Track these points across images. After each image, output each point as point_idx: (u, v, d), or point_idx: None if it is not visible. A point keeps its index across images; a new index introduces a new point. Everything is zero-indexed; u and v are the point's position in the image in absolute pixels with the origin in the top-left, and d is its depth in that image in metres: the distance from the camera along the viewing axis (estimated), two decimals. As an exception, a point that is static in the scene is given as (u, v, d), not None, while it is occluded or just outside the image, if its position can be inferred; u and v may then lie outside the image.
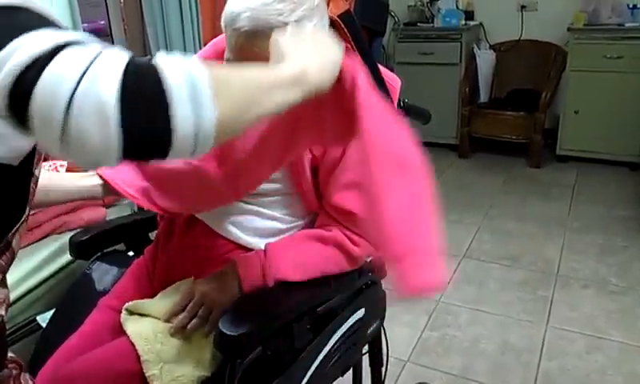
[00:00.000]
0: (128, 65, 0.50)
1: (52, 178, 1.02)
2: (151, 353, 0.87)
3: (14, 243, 0.67)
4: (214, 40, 1.05)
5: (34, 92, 0.47)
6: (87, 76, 0.47)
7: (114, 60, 0.49)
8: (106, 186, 1.03)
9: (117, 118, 0.47)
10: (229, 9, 0.85)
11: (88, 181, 1.03)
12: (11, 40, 0.48)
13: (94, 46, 0.50)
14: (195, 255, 1.04)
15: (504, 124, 3.70)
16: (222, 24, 0.88)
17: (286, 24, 0.83)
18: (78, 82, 0.47)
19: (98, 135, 0.48)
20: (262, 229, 1.02)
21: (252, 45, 0.84)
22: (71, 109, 0.47)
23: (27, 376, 0.75)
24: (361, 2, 1.11)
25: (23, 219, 0.66)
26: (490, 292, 2.27)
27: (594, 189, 3.28)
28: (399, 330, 2.01)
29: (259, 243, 1.00)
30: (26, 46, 0.48)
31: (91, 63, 0.48)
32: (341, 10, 0.99)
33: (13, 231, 0.65)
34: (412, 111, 1.29)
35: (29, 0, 0.53)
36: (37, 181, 0.67)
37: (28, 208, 0.66)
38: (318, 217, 1.03)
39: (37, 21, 0.51)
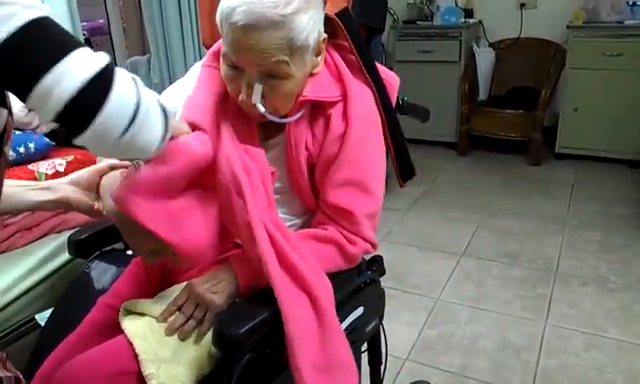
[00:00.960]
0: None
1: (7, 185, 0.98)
2: (149, 352, 0.87)
3: None
4: (214, 48, 1.04)
5: (101, 110, 0.62)
6: (143, 100, 0.68)
7: (139, 82, 0.70)
8: (56, 201, 0.97)
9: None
10: (225, 3, 0.86)
11: (42, 195, 0.97)
12: (53, 62, 0.59)
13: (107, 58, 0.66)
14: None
15: (503, 122, 3.70)
16: (218, 19, 0.88)
17: (282, 16, 0.83)
18: (138, 103, 0.67)
19: (151, 135, 0.71)
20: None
21: (248, 38, 0.84)
22: (133, 124, 0.66)
23: (9, 364, 0.75)
24: (359, 0, 1.10)
25: None
26: (489, 290, 2.27)
27: (593, 186, 3.29)
28: (398, 328, 2.02)
29: None
30: (74, 70, 0.61)
31: (137, 86, 0.68)
32: (338, 8, 0.99)
33: None
34: (411, 109, 1.29)
35: (45, 8, 0.61)
36: (6, 159, 0.71)
37: None
38: (315, 215, 1.03)
39: (61, 33, 0.63)
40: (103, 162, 0.98)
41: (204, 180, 0.94)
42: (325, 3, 0.96)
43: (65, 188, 0.96)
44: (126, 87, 0.66)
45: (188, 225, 0.88)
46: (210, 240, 0.92)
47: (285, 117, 0.96)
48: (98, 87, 0.62)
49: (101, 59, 0.64)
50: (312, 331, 0.89)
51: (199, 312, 0.92)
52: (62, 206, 0.97)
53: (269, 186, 0.97)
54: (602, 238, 2.65)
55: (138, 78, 0.70)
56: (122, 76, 0.66)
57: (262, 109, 0.90)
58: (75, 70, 0.61)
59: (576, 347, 1.89)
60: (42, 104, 0.60)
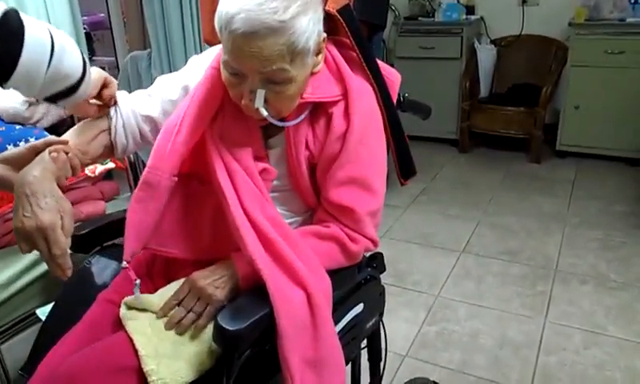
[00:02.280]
0: None
1: None
2: (149, 347, 0.88)
3: None
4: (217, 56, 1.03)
5: (21, 55, 0.69)
6: (55, 32, 0.73)
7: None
8: None
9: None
10: (223, 10, 0.84)
11: None
12: None
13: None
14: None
15: (504, 119, 3.69)
16: (217, 25, 0.87)
17: (282, 22, 0.82)
18: (52, 38, 0.73)
19: (73, 60, 0.80)
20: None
21: (250, 46, 0.83)
22: (53, 57, 0.73)
23: None
24: (360, -3, 1.10)
25: None
26: (489, 287, 2.27)
27: (593, 184, 3.29)
28: (398, 325, 2.02)
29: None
30: None
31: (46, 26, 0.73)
32: (340, 5, 0.99)
33: None
34: (412, 106, 1.28)
35: None
36: None
37: None
38: (316, 213, 1.03)
39: None
40: (40, 140, 0.94)
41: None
42: (325, 1, 0.96)
43: None
44: (36, 27, 0.71)
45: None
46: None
47: (287, 119, 0.96)
48: (9, 36, 0.68)
49: None
50: (304, 327, 0.89)
51: (199, 306, 0.92)
52: None
53: (259, 183, 0.97)
54: (601, 236, 2.65)
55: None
56: (29, 19, 0.71)
57: (264, 113, 0.90)
58: None
59: (575, 345, 1.90)
60: None
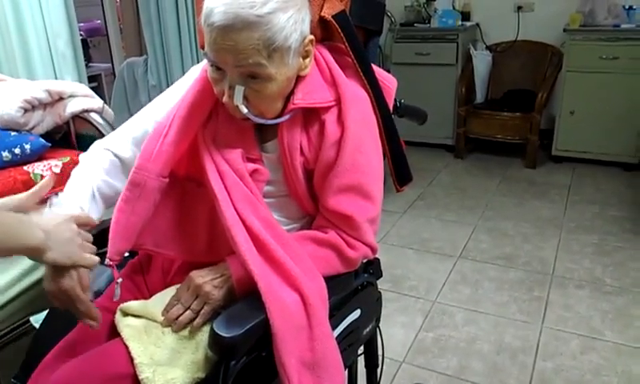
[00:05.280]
0: None
1: None
2: (145, 355, 0.87)
3: None
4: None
5: None
6: None
7: None
8: None
9: None
10: (205, 4, 0.86)
11: None
12: None
13: None
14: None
15: (500, 124, 3.71)
16: (201, 20, 0.88)
17: (258, 16, 0.82)
18: None
19: None
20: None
21: (226, 39, 0.84)
22: None
23: None
24: (356, 2, 1.10)
25: None
26: (486, 292, 2.27)
27: (589, 189, 3.30)
28: (395, 331, 2.02)
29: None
30: None
31: None
32: (336, 11, 0.99)
33: None
34: (408, 111, 1.29)
35: None
36: None
37: None
38: (316, 218, 1.03)
39: None
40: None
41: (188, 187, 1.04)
42: (322, 7, 0.96)
43: None
44: None
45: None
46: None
47: (272, 119, 0.96)
48: None
49: None
50: (299, 327, 0.89)
51: (197, 304, 0.92)
52: None
53: (250, 184, 0.97)
54: (597, 241, 2.66)
55: None
56: None
57: (244, 110, 0.90)
58: None
59: (572, 350, 1.90)
60: None
